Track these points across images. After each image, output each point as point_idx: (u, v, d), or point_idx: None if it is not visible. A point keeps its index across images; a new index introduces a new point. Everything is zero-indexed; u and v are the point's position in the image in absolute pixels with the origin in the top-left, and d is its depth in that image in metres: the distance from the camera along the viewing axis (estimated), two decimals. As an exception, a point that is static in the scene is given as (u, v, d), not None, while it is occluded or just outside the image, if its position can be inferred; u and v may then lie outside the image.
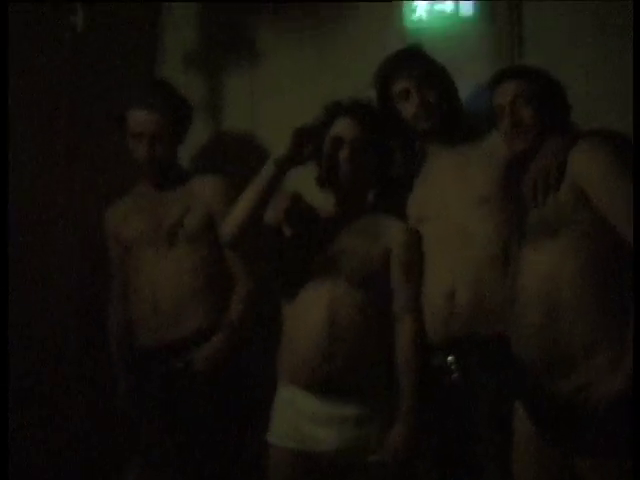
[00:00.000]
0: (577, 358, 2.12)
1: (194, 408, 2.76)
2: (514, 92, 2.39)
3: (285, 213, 2.65)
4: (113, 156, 3.07)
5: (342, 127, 2.63)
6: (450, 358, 2.52)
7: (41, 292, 2.88)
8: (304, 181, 2.72)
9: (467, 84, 2.86)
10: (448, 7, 3.01)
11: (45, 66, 2.94)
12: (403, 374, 2.52)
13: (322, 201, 2.72)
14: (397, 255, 2.59)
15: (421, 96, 2.63)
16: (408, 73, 2.64)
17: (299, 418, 2.54)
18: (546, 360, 2.17)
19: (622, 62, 2.67)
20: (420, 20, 3.05)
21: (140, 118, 2.84)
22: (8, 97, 2.65)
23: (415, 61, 2.69)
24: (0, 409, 2.32)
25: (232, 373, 2.73)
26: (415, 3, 3.03)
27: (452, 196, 2.60)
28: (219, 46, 3.39)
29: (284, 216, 2.65)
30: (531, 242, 2.25)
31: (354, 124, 2.62)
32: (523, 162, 2.40)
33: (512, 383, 2.32)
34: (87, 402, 2.99)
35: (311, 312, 2.53)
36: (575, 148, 2.23)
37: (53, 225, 2.94)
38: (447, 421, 2.54)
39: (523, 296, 2.23)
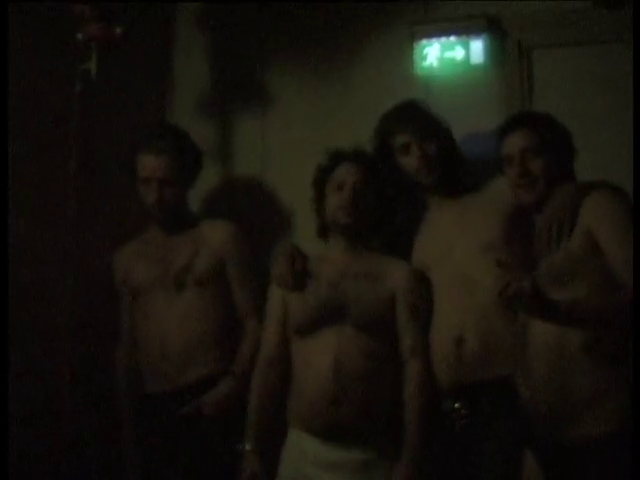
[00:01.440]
0: (581, 408, 2.11)
1: (202, 453, 2.72)
2: (524, 143, 2.38)
3: (290, 271, 2.66)
4: (123, 200, 3.07)
5: (344, 172, 2.66)
6: (457, 404, 2.51)
7: (44, 337, 2.86)
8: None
9: (477, 130, 2.88)
10: (459, 54, 3.04)
11: (57, 110, 2.95)
12: (410, 417, 2.50)
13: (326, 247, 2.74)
14: (402, 298, 2.59)
15: (422, 150, 2.65)
16: (408, 127, 2.67)
17: (304, 462, 2.53)
18: (553, 409, 2.15)
19: (630, 108, 2.68)
20: (431, 67, 3.08)
21: (150, 163, 2.84)
22: (19, 140, 2.66)
23: (414, 115, 2.71)
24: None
25: (241, 418, 2.70)
26: (426, 50, 3.06)
27: (456, 244, 2.61)
28: (230, 91, 3.41)
29: (290, 274, 2.66)
30: None
31: (356, 169, 2.65)
32: (531, 213, 2.40)
33: (520, 429, 2.31)
34: (92, 450, 2.96)
35: (318, 357, 2.53)
36: (587, 198, 2.23)
37: (60, 269, 2.92)
38: (454, 466, 2.52)
39: (531, 346, 2.22)
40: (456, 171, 2.70)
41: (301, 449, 2.55)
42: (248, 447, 2.57)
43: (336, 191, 2.64)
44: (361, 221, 2.63)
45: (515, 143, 2.40)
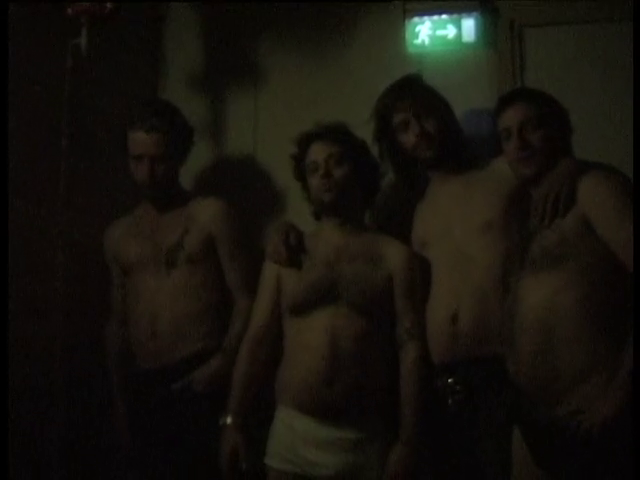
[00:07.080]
0: (568, 385, 2.11)
1: (193, 430, 2.73)
2: (522, 115, 2.35)
3: (285, 245, 2.67)
4: (114, 177, 3.07)
5: (314, 152, 2.67)
6: (451, 380, 2.52)
7: (38, 313, 2.87)
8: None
9: (469, 109, 2.87)
10: (450, 32, 3.04)
11: (48, 86, 2.94)
12: (406, 400, 2.51)
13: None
14: (399, 280, 2.59)
15: (420, 126, 2.64)
16: (406, 104, 2.66)
17: (297, 441, 2.53)
18: (539, 386, 2.16)
19: (623, 87, 2.68)
20: (422, 45, 3.07)
21: (141, 140, 2.83)
22: (10, 117, 2.65)
23: (413, 91, 2.70)
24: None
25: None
26: (418, 28, 3.05)
27: (456, 221, 2.61)
28: (222, 69, 3.40)
29: (284, 248, 2.66)
30: (532, 272, 2.23)
31: (324, 146, 2.65)
32: (529, 187, 2.39)
33: (509, 406, 2.32)
34: (83, 426, 2.97)
35: (312, 337, 2.53)
36: (583, 178, 2.21)
37: (52, 245, 2.93)
38: (448, 443, 2.54)
39: (519, 324, 2.22)
40: (457, 146, 2.69)
41: (291, 426, 2.55)
42: (229, 421, 2.59)
43: (313, 173, 2.65)
44: (347, 197, 2.63)
45: (513, 116, 2.36)
